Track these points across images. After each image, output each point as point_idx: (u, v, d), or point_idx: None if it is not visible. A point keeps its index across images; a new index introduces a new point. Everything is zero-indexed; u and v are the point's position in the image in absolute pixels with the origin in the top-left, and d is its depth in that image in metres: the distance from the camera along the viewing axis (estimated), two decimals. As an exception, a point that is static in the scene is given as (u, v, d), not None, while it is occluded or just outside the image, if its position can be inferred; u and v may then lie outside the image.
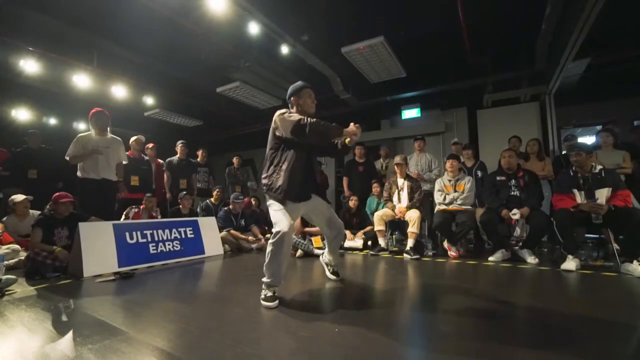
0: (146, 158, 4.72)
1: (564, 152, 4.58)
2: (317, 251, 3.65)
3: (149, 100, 6.24)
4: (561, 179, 3.23)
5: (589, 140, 7.48)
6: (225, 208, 4.51)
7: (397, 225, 4.06)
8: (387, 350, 1.33)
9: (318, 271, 2.91)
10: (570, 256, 2.90)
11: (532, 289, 2.46)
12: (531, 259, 3.17)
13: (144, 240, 3.21)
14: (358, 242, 4.06)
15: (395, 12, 4.26)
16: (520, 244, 3.45)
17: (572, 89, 5.31)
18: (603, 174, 2.97)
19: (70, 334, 1.44)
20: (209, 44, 4.81)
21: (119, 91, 5.50)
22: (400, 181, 3.94)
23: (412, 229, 3.53)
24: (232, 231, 4.24)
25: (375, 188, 4.52)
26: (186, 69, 5.50)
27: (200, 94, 6.39)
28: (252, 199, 5.69)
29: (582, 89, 5.27)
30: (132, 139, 4.47)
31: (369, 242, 4.10)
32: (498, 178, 3.54)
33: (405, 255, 3.50)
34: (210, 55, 5.06)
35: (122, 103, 5.84)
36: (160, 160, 5.17)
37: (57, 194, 3.09)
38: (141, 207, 4.01)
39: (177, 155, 5.17)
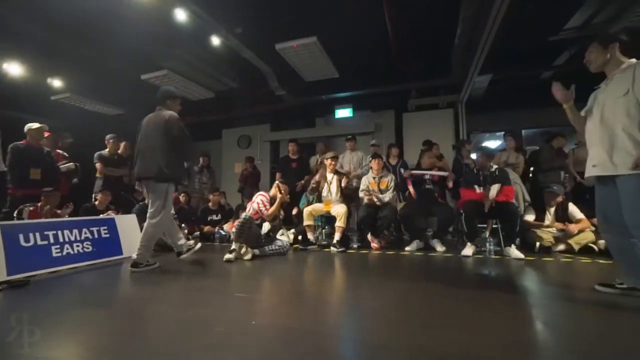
0: (47, 149, 4.12)
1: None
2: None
3: (56, 83, 5.47)
4: (468, 175, 3.74)
5: (494, 143, 8.71)
6: (142, 202, 4.22)
7: (327, 220, 4.25)
8: (310, 340, 1.40)
9: (240, 265, 2.92)
10: (469, 243, 3.37)
11: (436, 273, 2.81)
12: (439, 247, 3.61)
13: (45, 242, 2.83)
14: (289, 236, 4.14)
15: (328, 15, 4.39)
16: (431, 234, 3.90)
17: (479, 99, 6.10)
18: (497, 173, 3.52)
19: None
20: (133, 26, 4.39)
21: (13, 68, 4.71)
22: (330, 175, 4.12)
23: (339, 223, 3.73)
24: None
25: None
26: (104, 51, 4.94)
27: (122, 79, 5.81)
28: (182, 195, 5.39)
29: (487, 100, 6.10)
30: (33, 126, 3.88)
31: (299, 237, 4.21)
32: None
33: (332, 248, 3.69)
34: (134, 38, 4.62)
35: (19, 82, 5.03)
36: (59, 151, 4.61)
37: None
38: (39, 204, 3.53)
39: (107, 149, 4.74)
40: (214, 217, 4.93)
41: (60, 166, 4.39)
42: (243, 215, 3.31)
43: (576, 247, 3.35)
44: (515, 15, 3.42)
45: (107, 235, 3.45)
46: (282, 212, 4.34)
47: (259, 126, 7.58)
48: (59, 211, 3.69)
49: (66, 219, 3.52)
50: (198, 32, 4.33)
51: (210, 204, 5.02)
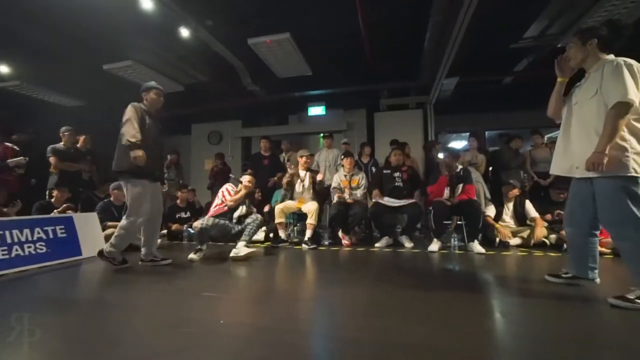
0: None
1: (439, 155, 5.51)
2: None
3: (2, 69, 5.02)
4: (437, 174, 3.88)
5: (460, 144, 9.12)
6: (106, 200, 4.00)
7: (298, 217, 4.25)
8: (280, 338, 1.40)
9: (208, 264, 2.86)
10: (435, 239, 3.51)
11: (404, 268, 2.90)
12: (408, 243, 3.73)
13: (-10, 243, 2.61)
14: (259, 234, 4.09)
15: (302, 12, 4.35)
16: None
17: (447, 101, 6.35)
18: (462, 173, 3.70)
19: None
20: (93, 11, 4.08)
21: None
22: (302, 173, 4.12)
23: (311, 220, 3.75)
24: (110, 223, 3.77)
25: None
26: (61, 36, 4.57)
27: (81, 69, 5.42)
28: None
29: (454, 101, 6.36)
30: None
31: (271, 235, 4.18)
32: (384, 171, 4.10)
33: (303, 245, 3.70)
34: (94, 24, 4.31)
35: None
36: (8, 145, 4.28)
37: None
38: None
39: (62, 143, 4.41)
40: (183, 215, 4.77)
41: (8, 161, 4.05)
42: (200, 222, 3.13)
43: (531, 242, 3.61)
44: (480, 22, 3.58)
45: (64, 235, 3.24)
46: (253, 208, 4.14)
47: (230, 122, 7.41)
48: (5, 209, 3.40)
49: (15, 217, 3.25)
50: (166, 21, 4.14)
51: (178, 201, 4.84)
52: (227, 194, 3.42)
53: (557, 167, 2.03)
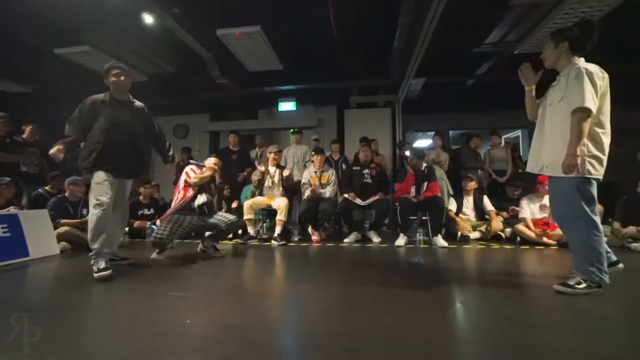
0: None
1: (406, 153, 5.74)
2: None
3: None
4: (402, 173, 4.02)
5: (426, 142, 9.47)
6: (60, 196, 3.72)
7: (268, 213, 4.21)
8: (248, 336, 1.38)
9: (173, 262, 2.77)
10: (402, 234, 3.64)
11: (372, 263, 2.98)
12: (375, 239, 3.84)
13: None
14: (228, 231, 4.01)
15: (273, 5, 4.27)
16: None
17: (414, 100, 6.57)
18: (427, 171, 3.85)
19: None
20: None
21: None
22: (272, 169, 4.08)
23: (280, 216, 3.73)
24: (64, 221, 3.53)
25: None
26: (4, 15, 4.14)
27: (29, 52, 4.94)
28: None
29: (421, 101, 6.59)
30: None
31: (240, 231, 4.11)
32: (354, 168, 4.17)
33: (272, 242, 3.68)
34: (48, 2, 3.94)
35: None
36: None
37: None
38: None
39: None
40: (146, 212, 4.54)
41: None
42: (155, 234, 2.88)
43: (489, 235, 3.86)
44: (446, 24, 3.72)
45: (7, 235, 2.97)
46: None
47: (198, 115, 7.16)
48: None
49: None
50: (127, 5, 3.88)
51: (141, 197, 4.60)
52: (192, 172, 3.05)
53: (530, 165, 2.07)
